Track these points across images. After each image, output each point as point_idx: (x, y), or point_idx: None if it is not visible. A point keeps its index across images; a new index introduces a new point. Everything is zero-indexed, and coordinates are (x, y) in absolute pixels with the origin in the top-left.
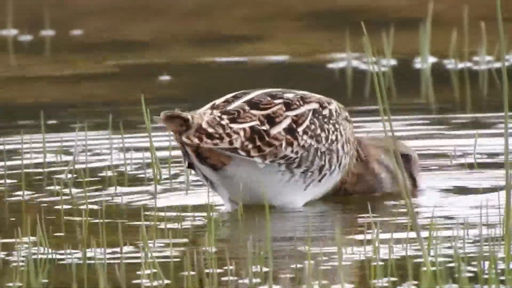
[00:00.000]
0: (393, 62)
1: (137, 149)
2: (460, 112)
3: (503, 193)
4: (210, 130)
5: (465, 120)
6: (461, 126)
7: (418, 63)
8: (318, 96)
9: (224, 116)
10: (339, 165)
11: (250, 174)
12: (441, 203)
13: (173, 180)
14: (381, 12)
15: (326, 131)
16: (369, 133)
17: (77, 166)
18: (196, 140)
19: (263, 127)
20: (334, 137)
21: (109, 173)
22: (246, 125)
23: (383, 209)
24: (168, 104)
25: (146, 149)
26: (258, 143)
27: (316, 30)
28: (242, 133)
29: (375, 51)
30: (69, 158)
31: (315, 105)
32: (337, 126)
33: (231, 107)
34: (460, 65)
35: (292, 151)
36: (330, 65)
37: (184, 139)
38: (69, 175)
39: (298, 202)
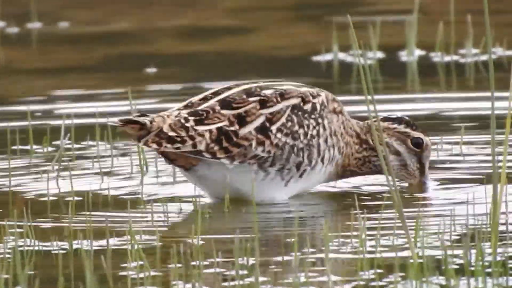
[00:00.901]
0: (379, 54)
1: (124, 141)
2: (446, 104)
3: (490, 185)
4: (172, 133)
5: (452, 113)
6: (448, 118)
7: (404, 56)
8: (304, 89)
9: (191, 118)
10: (322, 159)
11: (222, 174)
12: (428, 195)
13: (159, 172)
14: (367, 4)
15: (306, 126)
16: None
17: (63, 158)
18: (154, 145)
19: (232, 128)
20: (314, 132)
21: (96, 165)
22: (213, 127)
23: (370, 201)
24: (155, 95)
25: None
26: (225, 144)
27: (302, 23)
28: (207, 134)
29: (361, 43)
30: (56, 149)
31: (295, 100)
32: (320, 120)
33: (201, 107)
34: (447, 58)
35: (263, 151)
36: (316, 58)
37: (142, 144)
38: (56, 167)
39: (280, 197)
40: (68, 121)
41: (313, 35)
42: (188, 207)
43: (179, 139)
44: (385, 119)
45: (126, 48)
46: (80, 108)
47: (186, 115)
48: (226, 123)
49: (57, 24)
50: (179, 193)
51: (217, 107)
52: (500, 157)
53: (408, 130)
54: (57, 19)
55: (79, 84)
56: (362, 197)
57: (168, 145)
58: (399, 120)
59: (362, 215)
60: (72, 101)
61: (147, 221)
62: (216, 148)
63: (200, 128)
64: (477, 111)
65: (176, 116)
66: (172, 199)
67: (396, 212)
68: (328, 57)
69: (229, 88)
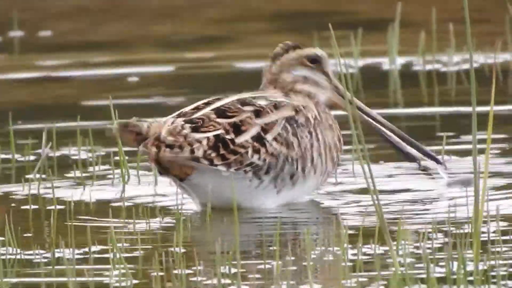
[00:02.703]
0: (361, 63)
1: (106, 149)
2: (428, 112)
3: (471, 192)
4: (170, 139)
5: (433, 122)
6: (429, 126)
7: (386, 65)
8: (296, 103)
9: (187, 125)
10: (315, 171)
11: (216, 182)
12: (409, 202)
13: (141, 180)
14: (349, 13)
15: (300, 138)
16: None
17: (45, 166)
18: (154, 149)
19: (228, 136)
20: (308, 145)
21: (78, 173)
22: (209, 134)
23: (353, 209)
24: (136, 105)
25: (114, 148)
26: (222, 151)
27: (283, 32)
28: (205, 142)
29: (343, 52)
30: (38, 158)
31: (289, 112)
32: (313, 133)
33: (196, 115)
34: (428, 67)
35: (259, 158)
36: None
37: (141, 148)
38: (37, 175)
39: (271, 205)
40: (49, 129)
41: None
42: (170, 215)
43: (177, 145)
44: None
45: (108, 57)
46: (61, 116)
47: (182, 123)
48: (222, 131)
49: (39, 33)
50: (161, 201)
51: (213, 116)
52: (482, 165)
53: (298, 52)
54: (39, 28)
55: (61, 92)
56: (344, 205)
57: (167, 150)
58: (286, 49)
59: (344, 223)
60: (54, 110)
61: (129, 229)
62: (213, 154)
63: (198, 135)
64: (458, 119)
65: (172, 123)
66: (154, 207)
67: (378, 221)
68: None
69: (220, 99)
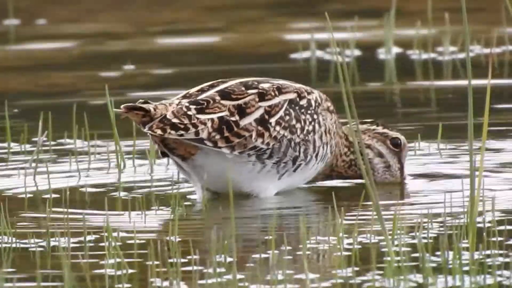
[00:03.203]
0: (357, 52)
1: (102, 139)
2: (424, 102)
3: (467, 182)
4: (175, 120)
5: (429, 114)
6: (425, 116)
7: (382, 54)
8: (298, 85)
9: (192, 106)
10: (316, 155)
11: (220, 164)
12: (405, 192)
13: (136, 169)
14: (345, 2)
15: (302, 121)
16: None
17: (41, 156)
18: (159, 131)
19: (233, 118)
20: (310, 128)
21: (73, 163)
22: (214, 116)
23: (348, 199)
24: (132, 93)
25: (110, 138)
26: (226, 133)
27: (280, 20)
28: (209, 123)
29: (339, 41)
30: (33, 146)
31: (292, 95)
32: (315, 116)
33: (201, 96)
34: (424, 56)
35: (262, 142)
36: (294, 55)
37: (147, 130)
38: (33, 164)
39: (271, 190)
40: (45, 118)
41: (291, 33)
42: (165, 205)
43: (182, 126)
44: (362, 122)
45: (104, 45)
46: (57, 105)
47: (187, 104)
48: (227, 113)
49: (35, 21)
50: (157, 190)
51: (217, 97)
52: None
53: (386, 130)
54: (35, 16)
55: (57, 81)
56: (340, 194)
57: (172, 132)
58: (376, 122)
59: (340, 213)
60: (50, 98)
61: (124, 218)
62: (217, 137)
63: (202, 116)
64: (454, 109)
65: (177, 104)
66: (149, 196)
67: (374, 210)
68: (305, 55)
69: (224, 82)
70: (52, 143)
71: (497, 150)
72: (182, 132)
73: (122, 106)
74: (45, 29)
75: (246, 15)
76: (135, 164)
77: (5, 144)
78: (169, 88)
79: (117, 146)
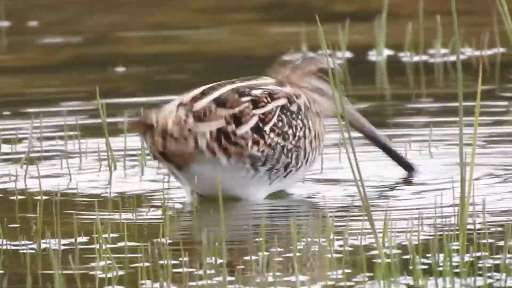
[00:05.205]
0: (348, 54)
1: (92, 140)
2: (415, 104)
3: (457, 184)
4: (175, 132)
5: (420, 116)
6: (416, 117)
7: (373, 56)
8: (288, 90)
9: (190, 117)
10: (306, 161)
11: (215, 171)
12: (396, 194)
13: (127, 170)
14: (336, 4)
15: (294, 127)
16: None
17: (31, 156)
18: (159, 147)
19: (229, 127)
20: (301, 134)
21: (64, 164)
22: (212, 126)
23: (338, 200)
24: (123, 95)
25: (101, 139)
26: (224, 143)
27: (271, 23)
28: (208, 134)
29: (330, 43)
30: (24, 148)
31: (283, 101)
32: (305, 121)
33: (198, 106)
34: (416, 58)
35: (258, 150)
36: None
37: (150, 145)
38: (24, 165)
39: (261, 195)
40: (36, 120)
41: (282, 35)
42: (156, 206)
43: (182, 138)
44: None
45: (95, 47)
46: (48, 107)
47: (185, 114)
48: (223, 122)
49: (26, 23)
50: (148, 192)
51: (213, 106)
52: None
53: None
54: (26, 19)
55: (48, 83)
56: (331, 197)
57: (173, 144)
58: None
59: (330, 215)
60: (40, 100)
61: (115, 220)
62: (215, 146)
63: (201, 126)
64: (445, 111)
65: (176, 114)
66: (140, 198)
67: (364, 212)
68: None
69: (213, 88)
70: (43, 144)
71: (488, 154)
72: (182, 143)
73: (128, 121)
74: (36, 31)
75: (237, 17)
76: (126, 165)
77: None
78: (161, 91)
79: (108, 146)
